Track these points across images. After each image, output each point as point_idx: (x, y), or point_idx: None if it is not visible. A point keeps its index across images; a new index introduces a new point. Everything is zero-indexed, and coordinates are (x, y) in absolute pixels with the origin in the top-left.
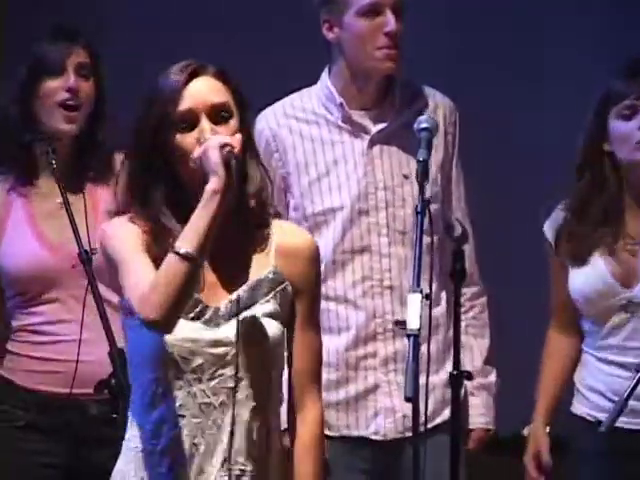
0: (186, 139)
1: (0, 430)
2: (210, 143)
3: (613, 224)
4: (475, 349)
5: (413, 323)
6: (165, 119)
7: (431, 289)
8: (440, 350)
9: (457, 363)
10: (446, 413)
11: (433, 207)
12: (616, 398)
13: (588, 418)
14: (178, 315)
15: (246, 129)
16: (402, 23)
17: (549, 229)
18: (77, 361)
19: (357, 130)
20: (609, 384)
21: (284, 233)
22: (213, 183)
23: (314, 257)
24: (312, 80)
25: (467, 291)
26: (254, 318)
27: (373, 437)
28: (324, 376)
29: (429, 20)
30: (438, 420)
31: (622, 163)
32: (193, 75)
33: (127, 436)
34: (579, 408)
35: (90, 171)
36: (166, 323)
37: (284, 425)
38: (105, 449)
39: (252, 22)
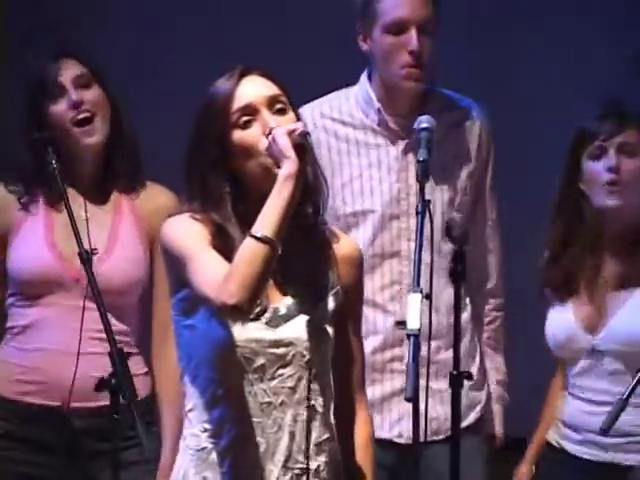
0: (249, 134)
1: None
2: (277, 131)
3: (589, 261)
4: (498, 361)
5: (413, 323)
6: (224, 119)
7: (431, 289)
8: (465, 355)
9: (457, 363)
10: (471, 417)
11: (456, 215)
12: (577, 427)
13: (554, 444)
14: (257, 299)
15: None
16: (430, 40)
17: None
18: (74, 377)
19: (393, 135)
20: (573, 416)
21: (336, 238)
22: (286, 167)
23: (361, 263)
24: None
25: (492, 301)
26: (313, 318)
27: (396, 440)
28: None
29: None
30: (464, 424)
31: (593, 205)
32: (242, 75)
33: (184, 434)
34: (550, 435)
35: (118, 182)
36: (245, 307)
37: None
38: (93, 463)
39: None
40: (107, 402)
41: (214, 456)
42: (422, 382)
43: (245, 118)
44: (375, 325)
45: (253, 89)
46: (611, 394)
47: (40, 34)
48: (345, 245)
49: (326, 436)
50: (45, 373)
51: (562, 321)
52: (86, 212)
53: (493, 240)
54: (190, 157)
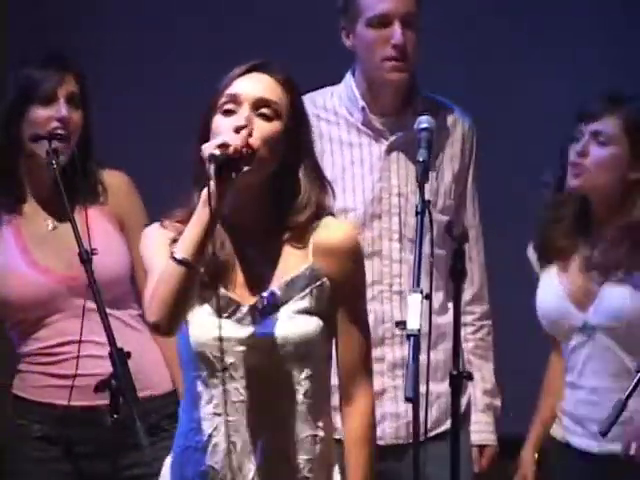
0: (223, 121)
1: (20, 443)
2: (204, 146)
3: (581, 238)
4: (485, 371)
5: (413, 323)
6: (213, 101)
7: (431, 291)
8: (448, 358)
9: (457, 363)
10: (449, 422)
11: (444, 218)
12: (580, 421)
13: (559, 439)
14: (178, 319)
15: (298, 140)
16: (414, 34)
17: (531, 253)
18: (75, 375)
19: (376, 135)
20: (574, 407)
21: (325, 229)
22: (206, 189)
23: (353, 252)
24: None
25: (477, 310)
26: (286, 314)
27: (378, 442)
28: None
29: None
30: (443, 428)
31: None
32: (253, 69)
33: (177, 433)
34: (555, 430)
35: (78, 198)
36: (165, 327)
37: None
38: (122, 458)
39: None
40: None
41: (196, 455)
42: (394, 383)
43: (228, 106)
44: None
45: (250, 84)
46: (604, 374)
47: (40, 34)
48: (333, 236)
49: (308, 433)
50: (70, 378)
51: (552, 298)
52: (53, 223)
53: (475, 246)
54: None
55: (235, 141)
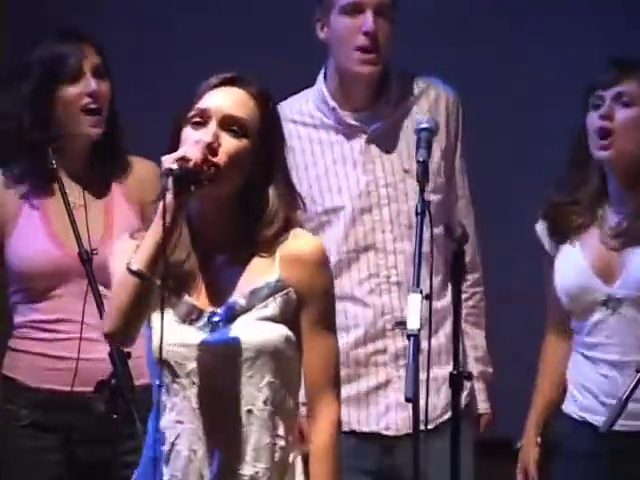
0: (191, 134)
1: (7, 429)
2: (164, 158)
3: (594, 210)
4: (476, 337)
5: (413, 323)
6: (183, 112)
7: (431, 288)
8: (448, 343)
9: (457, 363)
10: (449, 413)
11: (436, 198)
12: (603, 397)
13: (575, 417)
14: (132, 329)
15: (267, 158)
16: (388, 24)
17: (540, 229)
18: (77, 359)
19: (353, 131)
20: (596, 383)
21: (293, 240)
22: (165, 199)
23: (319, 262)
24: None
25: (470, 277)
26: (249, 322)
27: (384, 432)
28: None
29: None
30: (447, 416)
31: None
32: (226, 83)
33: (145, 445)
34: (568, 407)
35: (109, 172)
36: (119, 337)
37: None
38: (108, 446)
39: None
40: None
41: (159, 464)
42: (399, 373)
43: (197, 119)
44: (356, 319)
45: (220, 100)
46: (628, 348)
47: (40, 34)
48: (297, 245)
49: (266, 442)
50: (63, 360)
51: (575, 273)
52: (84, 200)
53: (467, 216)
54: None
55: (196, 155)
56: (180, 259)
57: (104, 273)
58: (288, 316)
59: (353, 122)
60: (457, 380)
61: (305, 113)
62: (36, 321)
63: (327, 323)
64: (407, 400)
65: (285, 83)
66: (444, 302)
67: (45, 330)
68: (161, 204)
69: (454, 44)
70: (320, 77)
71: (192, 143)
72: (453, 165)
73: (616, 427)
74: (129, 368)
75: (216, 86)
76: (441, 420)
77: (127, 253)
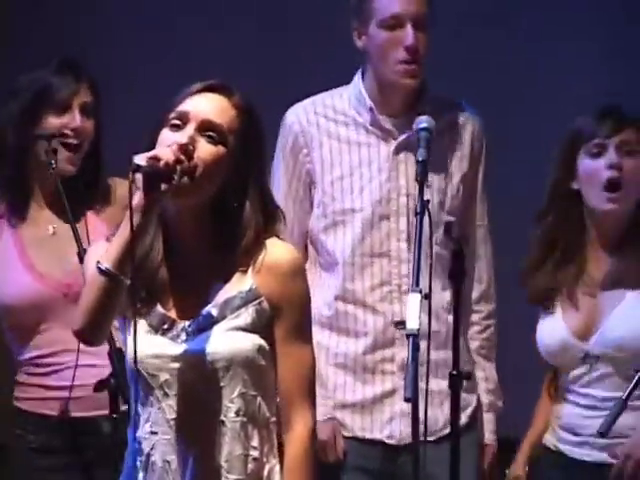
0: (168, 136)
1: (18, 452)
2: (136, 157)
3: (575, 264)
4: (488, 370)
5: (412, 323)
6: (165, 113)
7: (430, 290)
8: (449, 357)
9: (456, 363)
10: (462, 419)
11: (450, 219)
12: (575, 430)
13: (552, 448)
14: (101, 328)
15: (244, 169)
16: (426, 35)
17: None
18: (71, 386)
19: (385, 135)
20: (569, 418)
21: (269, 250)
22: (135, 197)
23: (294, 272)
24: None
25: (484, 309)
26: (221, 332)
27: (387, 441)
28: (341, 377)
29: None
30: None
31: (589, 205)
32: (209, 89)
33: (125, 453)
34: (547, 438)
35: (88, 203)
36: (88, 335)
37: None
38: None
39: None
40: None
41: (136, 474)
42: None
43: (176, 121)
44: (365, 326)
45: (200, 104)
46: (608, 400)
47: (40, 33)
48: (272, 255)
49: (239, 452)
50: (65, 389)
51: (553, 330)
52: (54, 227)
53: (484, 245)
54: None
55: (168, 155)
56: (153, 269)
57: None
58: (261, 326)
59: (387, 125)
60: (457, 380)
61: (338, 110)
62: (32, 358)
63: (302, 333)
64: (406, 400)
65: (285, 83)
66: (451, 316)
67: (42, 365)
68: (133, 202)
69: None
70: (357, 77)
71: (167, 144)
72: (474, 194)
73: (586, 458)
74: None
75: (199, 91)
76: (441, 434)
77: (100, 255)
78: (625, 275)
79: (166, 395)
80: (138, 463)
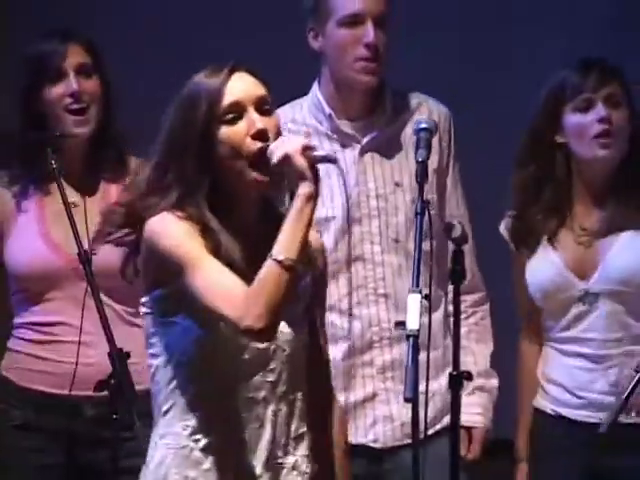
0: (234, 130)
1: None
2: (289, 148)
3: (561, 211)
4: (477, 353)
5: (412, 323)
6: (211, 114)
7: (430, 291)
8: (439, 356)
9: (457, 363)
10: (446, 420)
11: (449, 219)
12: (577, 390)
13: (549, 412)
14: (279, 322)
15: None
16: (385, 34)
17: (505, 229)
18: (77, 363)
19: (347, 140)
20: (570, 376)
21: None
22: (306, 187)
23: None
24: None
25: (468, 298)
26: (292, 313)
27: (372, 445)
28: None
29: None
30: (438, 427)
31: (578, 156)
32: (232, 71)
33: (161, 433)
34: (540, 402)
35: (105, 171)
36: (270, 332)
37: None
38: (102, 450)
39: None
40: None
41: (196, 454)
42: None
43: (232, 115)
44: (343, 331)
45: (243, 87)
46: (607, 341)
47: (40, 34)
48: (314, 245)
49: (303, 429)
50: (54, 363)
51: (548, 269)
52: (82, 200)
53: None
54: (168, 147)
55: (301, 142)
56: (229, 256)
57: (103, 276)
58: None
59: (348, 130)
60: (457, 380)
61: (299, 121)
62: (31, 323)
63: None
64: (407, 400)
65: (285, 83)
66: (437, 315)
67: (39, 332)
68: (304, 191)
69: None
70: (315, 85)
71: (244, 136)
72: (446, 184)
73: (590, 419)
74: (128, 368)
75: (227, 77)
76: (431, 431)
77: (191, 234)
78: (616, 221)
79: (243, 375)
80: (194, 443)
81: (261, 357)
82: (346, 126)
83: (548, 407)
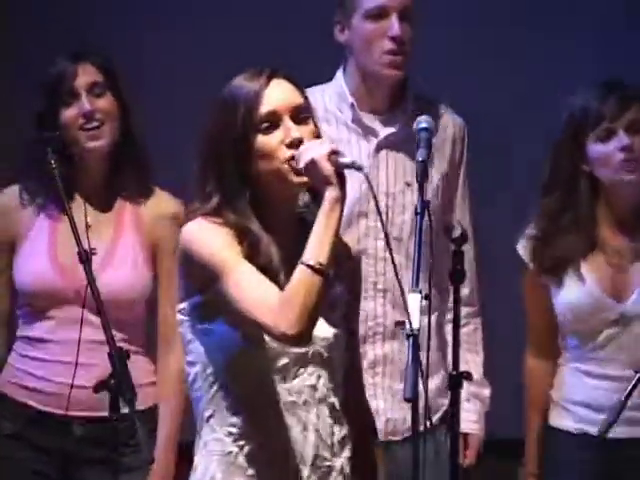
0: (270, 140)
1: None
2: (315, 153)
3: (590, 236)
4: (471, 362)
5: (413, 323)
6: (248, 122)
7: (430, 292)
8: (433, 357)
9: (456, 363)
10: (434, 419)
11: (449, 220)
12: (603, 409)
13: (572, 430)
14: (314, 327)
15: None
16: (411, 27)
17: (523, 248)
18: (72, 386)
19: (366, 132)
20: (594, 396)
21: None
22: (330, 193)
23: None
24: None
25: (463, 310)
26: (329, 318)
27: None
28: None
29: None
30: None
31: (604, 182)
32: (270, 78)
33: (206, 440)
34: (562, 422)
35: (124, 189)
36: (306, 337)
37: None
38: (92, 469)
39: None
40: (105, 413)
41: (241, 460)
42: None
43: (268, 124)
44: None
45: (280, 95)
46: (634, 362)
47: (40, 33)
48: (347, 247)
49: (345, 432)
50: (47, 382)
51: (584, 293)
52: (86, 218)
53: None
54: (207, 152)
55: (328, 147)
56: (268, 259)
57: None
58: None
59: (368, 123)
60: (456, 380)
61: (319, 107)
62: (29, 337)
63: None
64: (407, 400)
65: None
66: (432, 317)
67: (36, 348)
68: (332, 196)
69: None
70: (339, 73)
71: (280, 146)
72: (454, 193)
73: (617, 435)
74: (129, 369)
75: (265, 84)
76: (408, 434)
77: (227, 237)
78: None
79: (283, 379)
80: (238, 448)
81: (300, 361)
82: (367, 118)
83: (570, 426)
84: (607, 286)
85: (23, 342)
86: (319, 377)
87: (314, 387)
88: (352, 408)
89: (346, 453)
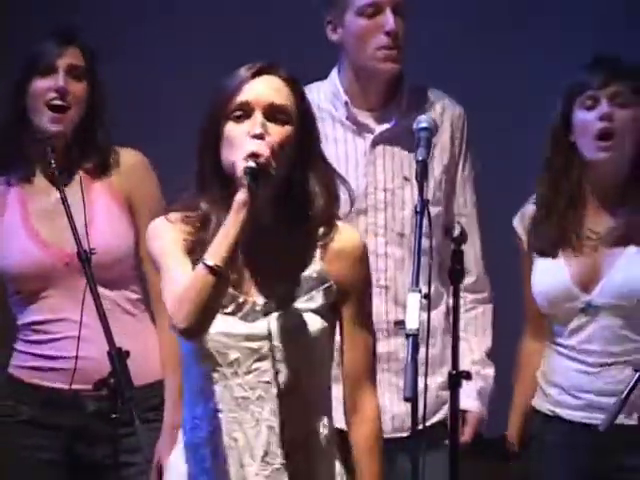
0: (236, 129)
1: (4, 425)
2: (238, 153)
3: (576, 215)
4: (474, 344)
5: (412, 323)
6: (222, 107)
7: (429, 290)
8: (437, 353)
9: (456, 363)
10: (435, 419)
11: (434, 211)
12: (574, 391)
13: (546, 412)
14: (208, 324)
15: (307, 142)
16: (404, 22)
17: (519, 224)
18: (77, 357)
19: (361, 129)
20: (568, 378)
21: (336, 235)
22: (240, 195)
23: (362, 258)
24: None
25: (471, 296)
26: (291, 313)
27: None
28: None
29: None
30: (428, 423)
31: (583, 157)
32: (260, 72)
33: (182, 429)
34: (538, 403)
35: (83, 166)
36: (195, 332)
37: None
38: (100, 446)
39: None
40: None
41: (199, 452)
42: None
43: (238, 113)
44: None
45: (259, 89)
46: (605, 353)
47: (40, 34)
48: (342, 239)
49: (308, 428)
50: (55, 360)
51: (554, 279)
52: (66, 204)
53: (470, 234)
54: (197, 139)
55: (264, 151)
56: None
57: (99, 268)
58: (327, 309)
59: (363, 119)
60: (456, 380)
61: (314, 104)
62: (29, 323)
63: (367, 318)
64: (406, 400)
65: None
66: (436, 312)
67: (38, 332)
68: (239, 199)
69: (462, 54)
70: (334, 72)
71: (244, 137)
72: (455, 182)
73: (589, 421)
74: (128, 367)
75: (251, 77)
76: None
77: (172, 239)
78: (626, 232)
79: (235, 374)
80: (198, 440)
81: (253, 356)
82: (361, 115)
83: (545, 408)
84: (577, 274)
85: (24, 329)
86: (277, 373)
87: (270, 383)
88: (351, 408)
89: (305, 452)
